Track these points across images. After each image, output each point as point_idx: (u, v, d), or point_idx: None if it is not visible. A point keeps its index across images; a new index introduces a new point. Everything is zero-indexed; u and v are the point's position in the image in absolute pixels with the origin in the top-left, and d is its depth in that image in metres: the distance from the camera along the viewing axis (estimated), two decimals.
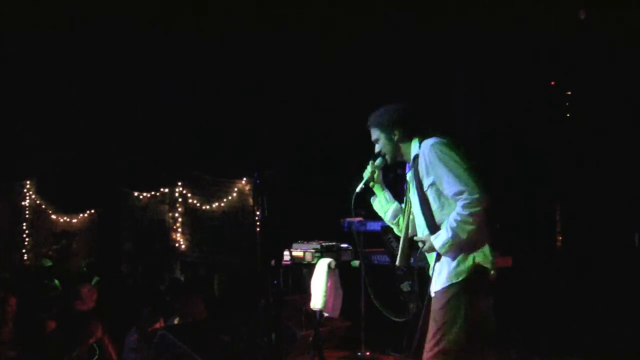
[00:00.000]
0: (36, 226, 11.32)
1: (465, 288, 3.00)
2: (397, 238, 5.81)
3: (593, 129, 7.06)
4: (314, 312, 5.91)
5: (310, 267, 6.02)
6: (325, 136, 8.40)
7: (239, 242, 9.47)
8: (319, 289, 5.82)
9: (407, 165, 3.37)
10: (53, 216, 11.34)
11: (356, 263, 6.18)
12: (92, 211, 11.08)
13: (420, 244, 3.20)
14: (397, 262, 3.37)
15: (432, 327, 3.02)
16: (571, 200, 7.35)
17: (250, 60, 8.75)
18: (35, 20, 8.49)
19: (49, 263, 8.21)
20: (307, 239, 6.46)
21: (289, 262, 6.30)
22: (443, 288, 3.04)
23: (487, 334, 3.16)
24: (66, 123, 9.94)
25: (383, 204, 3.55)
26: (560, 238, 7.48)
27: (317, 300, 5.80)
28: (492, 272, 3.08)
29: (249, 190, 9.66)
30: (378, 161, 3.44)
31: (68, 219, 11.27)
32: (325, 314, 5.91)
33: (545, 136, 7.34)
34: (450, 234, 2.97)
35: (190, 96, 9.59)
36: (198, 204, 10.06)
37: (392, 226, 3.56)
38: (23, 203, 11.32)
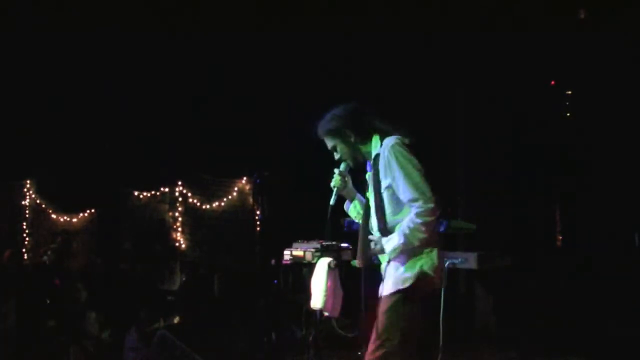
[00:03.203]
0: (36, 226, 11.32)
1: (408, 296, 3.01)
2: None
3: (593, 128, 7.07)
4: (314, 312, 5.91)
5: (311, 266, 6.03)
6: None
7: (239, 242, 9.46)
8: (319, 289, 5.81)
9: (368, 163, 3.30)
10: (53, 216, 11.34)
11: (356, 263, 6.18)
12: (92, 211, 11.08)
13: (372, 244, 3.19)
14: (357, 263, 3.35)
15: (374, 330, 3.07)
16: (571, 200, 7.35)
17: (250, 60, 8.75)
18: (35, 20, 8.49)
19: (44, 260, 8.20)
20: (307, 238, 6.46)
21: (288, 262, 6.31)
22: (389, 293, 3.07)
23: (426, 341, 3.22)
24: (66, 123, 9.93)
25: (359, 209, 3.44)
26: (560, 238, 7.49)
27: (317, 300, 5.80)
28: (437, 279, 3.05)
29: (249, 190, 9.65)
30: (342, 167, 3.34)
31: (68, 219, 11.27)
32: (325, 314, 5.91)
33: (545, 136, 7.35)
34: (402, 240, 2.98)
35: (190, 96, 9.59)
36: (198, 204, 10.05)
37: None
38: (23, 203, 11.33)
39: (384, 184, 3.08)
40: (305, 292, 5.93)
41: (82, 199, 10.83)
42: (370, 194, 3.23)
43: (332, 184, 3.36)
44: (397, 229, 3.03)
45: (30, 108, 9.86)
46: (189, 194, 10.10)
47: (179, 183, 10.12)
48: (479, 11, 7.05)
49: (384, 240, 3.08)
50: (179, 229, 10.15)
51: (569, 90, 7.52)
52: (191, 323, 6.02)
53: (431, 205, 2.94)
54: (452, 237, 5.94)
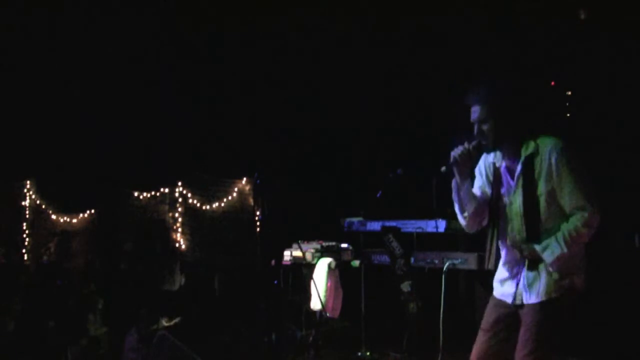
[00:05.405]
0: (36, 226, 11.32)
1: (563, 306, 2.93)
2: (397, 238, 5.85)
3: (592, 128, 7.07)
4: (314, 312, 5.93)
5: (311, 267, 6.05)
6: (326, 136, 8.40)
7: (239, 242, 9.47)
8: (319, 289, 5.84)
9: (502, 158, 3.05)
10: (53, 216, 11.34)
11: (356, 263, 6.20)
12: (92, 211, 11.08)
13: (516, 251, 3.00)
14: (488, 266, 3.16)
15: (529, 339, 2.92)
16: None
17: (250, 60, 8.75)
18: (35, 20, 8.49)
19: (43, 260, 8.22)
20: (307, 239, 6.48)
21: (289, 262, 6.33)
22: (540, 302, 2.93)
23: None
24: (66, 123, 9.94)
25: (470, 194, 3.09)
26: None
27: (317, 300, 5.82)
28: (583, 286, 3.01)
29: (249, 190, 9.65)
30: (475, 144, 3.00)
31: (68, 219, 11.26)
32: (326, 314, 5.93)
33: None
34: (565, 249, 2.86)
35: (190, 96, 9.59)
36: (198, 204, 10.05)
37: (461, 219, 3.16)
38: (23, 203, 11.33)
39: (543, 187, 2.89)
40: (305, 292, 5.96)
41: (82, 199, 10.84)
42: (516, 196, 2.99)
43: (452, 153, 3.02)
44: (544, 235, 2.90)
45: (30, 108, 9.87)
46: (189, 195, 10.10)
47: (179, 183, 10.12)
48: (479, 10, 7.05)
49: (538, 247, 2.90)
50: (179, 229, 10.14)
51: (569, 90, 7.51)
52: (191, 323, 6.02)
53: (599, 215, 2.86)
54: (452, 237, 5.94)
